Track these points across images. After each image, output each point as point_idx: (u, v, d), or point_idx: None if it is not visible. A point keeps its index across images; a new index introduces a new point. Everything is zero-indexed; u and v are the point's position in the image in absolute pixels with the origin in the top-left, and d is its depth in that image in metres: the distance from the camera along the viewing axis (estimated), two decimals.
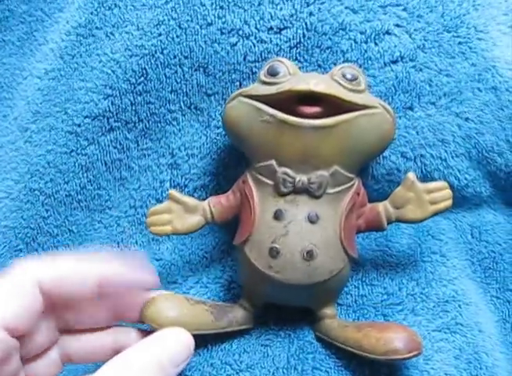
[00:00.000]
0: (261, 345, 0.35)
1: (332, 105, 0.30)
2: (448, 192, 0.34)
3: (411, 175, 0.33)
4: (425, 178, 0.39)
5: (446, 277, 0.38)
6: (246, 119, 0.32)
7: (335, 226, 0.32)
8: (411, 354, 0.29)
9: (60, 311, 0.30)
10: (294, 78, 0.31)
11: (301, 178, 0.31)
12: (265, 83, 0.32)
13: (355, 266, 0.37)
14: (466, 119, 0.38)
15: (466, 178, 0.40)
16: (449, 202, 0.34)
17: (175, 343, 0.29)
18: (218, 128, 0.39)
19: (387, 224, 0.34)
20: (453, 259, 0.39)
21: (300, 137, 0.30)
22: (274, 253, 0.31)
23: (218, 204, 0.35)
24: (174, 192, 0.34)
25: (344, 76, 0.31)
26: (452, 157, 0.39)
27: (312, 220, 0.31)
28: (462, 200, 0.41)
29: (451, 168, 0.39)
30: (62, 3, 0.42)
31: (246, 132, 0.32)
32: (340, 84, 0.31)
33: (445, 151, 0.38)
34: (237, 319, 0.35)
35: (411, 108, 0.38)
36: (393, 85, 0.38)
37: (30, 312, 0.27)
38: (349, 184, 0.32)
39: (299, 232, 0.31)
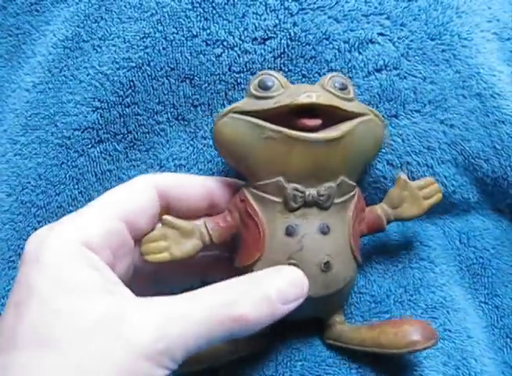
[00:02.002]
0: (250, 354, 0.35)
1: (328, 116, 0.30)
2: (437, 186, 0.35)
3: (403, 175, 0.35)
4: None
5: (434, 284, 0.38)
6: (244, 137, 0.31)
7: (344, 235, 0.32)
8: (430, 343, 0.31)
9: None
10: (289, 91, 0.31)
11: (311, 192, 0.31)
12: (257, 97, 0.31)
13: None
14: (452, 126, 0.38)
15: (453, 185, 0.40)
16: (440, 195, 0.36)
17: (285, 278, 0.28)
18: (205, 138, 0.39)
19: (387, 224, 0.35)
20: (442, 265, 0.39)
21: (310, 152, 0.30)
22: None
23: (216, 226, 0.33)
24: (168, 217, 0.32)
25: (335, 85, 0.31)
26: (439, 164, 0.39)
27: (324, 231, 0.31)
28: (450, 207, 0.41)
29: (437, 174, 0.39)
30: (49, 16, 0.42)
31: (246, 151, 0.31)
32: (333, 94, 0.31)
33: (431, 158, 0.38)
34: (247, 343, 0.34)
35: (396, 116, 0.38)
36: (377, 94, 0.38)
37: (148, 212, 0.30)
38: (353, 192, 0.33)
39: (314, 245, 0.31)
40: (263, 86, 0.31)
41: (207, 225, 0.33)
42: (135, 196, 0.30)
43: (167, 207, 0.32)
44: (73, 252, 0.26)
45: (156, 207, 0.31)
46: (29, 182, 0.41)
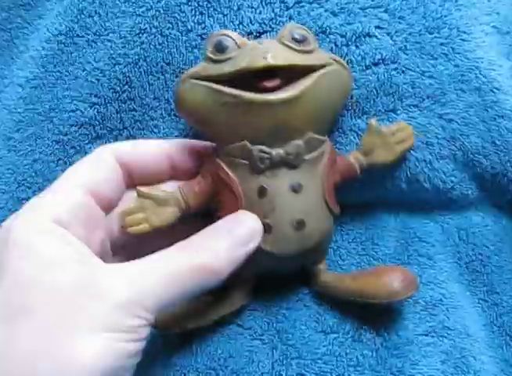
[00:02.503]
0: (246, 351, 0.35)
1: (288, 72, 0.30)
2: (410, 130, 0.36)
3: (374, 121, 0.35)
4: (410, 181, 0.38)
5: (434, 280, 0.38)
6: (204, 103, 0.31)
7: (318, 190, 0.32)
8: (410, 293, 0.32)
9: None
10: (246, 52, 0.30)
11: (277, 151, 0.31)
12: (214, 61, 0.31)
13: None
14: (451, 121, 0.38)
15: (452, 181, 0.39)
16: (412, 139, 0.36)
17: (240, 224, 0.30)
18: (196, 137, 0.38)
19: (361, 171, 0.36)
20: (441, 262, 0.39)
21: (269, 113, 0.30)
22: (266, 228, 0.31)
23: (190, 192, 0.33)
24: (142, 188, 0.32)
25: (293, 38, 0.31)
26: (437, 160, 0.38)
27: (296, 189, 0.31)
28: (449, 203, 0.41)
29: (436, 170, 0.38)
30: (42, 10, 0.42)
31: (208, 117, 0.31)
32: (291, 48, 0.30)
33: (430, 154, 0.38)
34: (234, 298, 0.36)
35: (394, 111, 0.38)
36: (375, 88, 0.37)
37: (112, 182, 0.31)
38: (323, 147, 0.33)
39: (286, 204, 0.31)
40: (219, 48, 0.31)
41: (182, 192, 0.33)
42: (97, 167, 0.31)
43: (130, 174, 0.32)
44: (44, 229, 0.26)
45: (118, 175, 0.32)
46: (25, 179, 0.41)
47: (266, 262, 0.33)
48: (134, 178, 0.33)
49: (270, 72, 0.29)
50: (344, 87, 0.33)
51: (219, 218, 0.33)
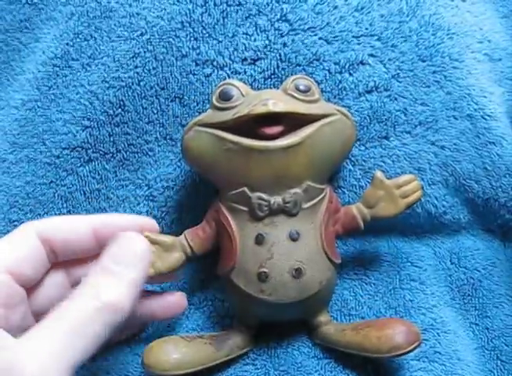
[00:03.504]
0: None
1: (291, 120, 0.30)
2: (417, 183, 0.34)
3: (378, 174, 0.34)
4: None
5: (425, 305, 0.38)
6: (208, 149, 0.32)
7: (316, 238, 0.32)
8: (412, 347, 0.31)
9: (69, 267, 0.32)
10: (249, 99, 0.31)
11: (276, 199, 0.31)
12: (219, 109, 0.32)
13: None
14: (443, 147, 0.38)
15: (443, 206, 0.40)
16: (419, 193, 0.34)
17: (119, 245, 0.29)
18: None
19: (364, 224, 0.35)
20: (432, 286, 0.39)
21: (268, 160, 0.30)
22: (263, 277, 0.31)
23: (195, 237, 0.34)
24: (149, 234, 0.33)
25: (297, 88, 0.32)
26: (429, 185, 0.39)
27: (294, 238, 0.32)
28: (441, 227, 0.41)
29: (428, 195, 0.39)
30: (38, 33, 0.42)
31: (211, 163, 0.32)
32: (294, 97, 0.31)
33: (422, 179, 0.38)
34: (237, 344, 0.35)
35: (386, 137, 0.38)
36: (368, 115, 0.38)
37: (32, 260, 0.30)
38: (322, 195, 0.33)
39: (284, 252, 0.32)
40: (224, 97, 0.32)
41: (187, 237, 0.34)
42: (17, 246, 0.29)
43: (53, 251, 0.31)
44: None
45: (40, 254, 0.30)
46: (17, 201, 0.41)
47: (265, 310, 0.33)
48: (58, 255, 0.31)
49: (273, 119, 0.30)
50: (346, 137, 0.33)
51: (218, 263, 0.34)
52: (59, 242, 0.31)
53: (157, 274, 0.33)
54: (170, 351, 0.33)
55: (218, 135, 0.31)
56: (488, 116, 0.38)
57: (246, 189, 0.31)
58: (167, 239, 0.34)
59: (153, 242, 0.33)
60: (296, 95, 0.31)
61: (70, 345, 0.24)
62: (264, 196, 0.31)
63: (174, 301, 0.35)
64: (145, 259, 0.29)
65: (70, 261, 0.32)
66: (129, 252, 0.29)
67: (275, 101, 0.30)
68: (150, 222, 0.33)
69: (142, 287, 0.28)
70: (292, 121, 0.30)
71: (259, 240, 0.32)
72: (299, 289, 0.32)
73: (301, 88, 0.32)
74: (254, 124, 0.30)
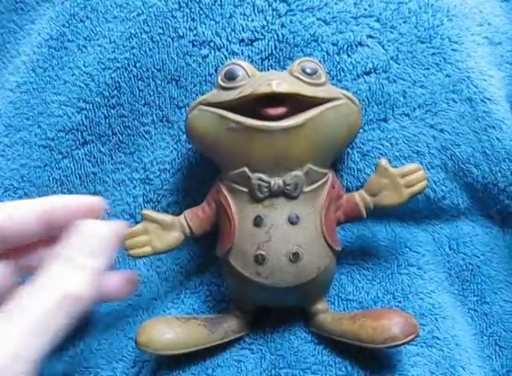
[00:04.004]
0: (235, 360, 0.35)
1: (296, 102, 0.30)
2: (422, 173, 0.33)
3: (383, 162, 0.33)
4: None
5: (423, 290, 0.37)
6: (211, 128, 0.31)
7: (316, 224, 0.32)
8: (409, 338, 0.30)
9: (19, 256, 0.30)
10: (254, 80, 0.31)
11: (276, 181, 0.31)
12: (224, 88, 0.32)
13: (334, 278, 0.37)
14: (442, 130, 0.38)
15: (442, 190, 0.39)
16: (424, 183, 0.34)
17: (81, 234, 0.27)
18: (189, 142, 0.38)
19: (366, 212, 0.34)
20: (430, 272, 0.39)
21: (270, 140, 0.30)
22: (260, 260, 0.31)
23: (194, 217, 0.34)
24: (147, 211, 0.33)
25: (303, 71, 0.31)
26: (428, 169, 0.38)
27: (293, 221, 0.31)
28: (439, 212, 0.41)
29: (427, 179, 0.38)
30: (34, 15, 0.42)
31: (214, 142, 0.32)
32: (300, 79, 0.31)
33: (421, 163, 0.38)
34: (232, 328, 0.35)
35: (385, 120, 0.38)
36: (366, 97, 0.37)
37: None
38: (324, 179, 0.32)
39: (282, 235, 0.31)
40: (229, 76, 0.32)
41: (187, 217, 0.34)
42: None
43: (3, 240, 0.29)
44: None
45: None
46: (11, 184, 0.40)
47: (261, 294, 0.33)
48: (6, 243, 0.29)
49: (276, 101, 0.30)
50: (351, 122, 0.32)
51: (217, 243, 0.34)
52: (9, 232, 0.28)
53: (154, 253, 0.33)
54: (163, 330, 0.32)
55: (221, 114, 0.31)
56: (488, 99, 0.38)
57: (246, 169, 0.31)
58: (167, 218, 0.34)
59: (152, 220, 0.33)
60: (302, 77, 0.31)
61: (30, 343, 0.23)
62: (264, 177, 0.31)
63: (125, 280, 0.33)
64: (108, 247, 0.28)
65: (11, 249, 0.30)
66: (92, 241, 0.27)
67: (280, 82, 0.29)
68: (98, 202, 0.31)
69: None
70: (296, 104, 0.30)
71: (258, 221, 0.31)
72: (296, 274, 0.32)
73: (308, 70, 0.31)
74: (257, 105, 0.30)
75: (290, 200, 0.31)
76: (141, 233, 0.33)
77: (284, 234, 0.31)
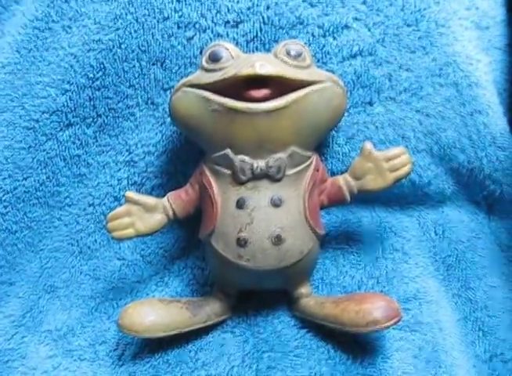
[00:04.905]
0: (217, 344, 0.35)
1: (279, 85, 0.30)
2: (406, 157, 0.33)
3: (368, 145, 0.33)
4: None
5: (408, 275, 0.37)
6: (194, 110, 0.31)
7: (299, 207, 0.32)
8: (391, 322, 0.30)
9: None
10: (238, 62, 0.31)
11: (259, 163, 0.31)
12: (207, 70, 0.31)
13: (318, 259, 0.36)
14: (427, 115, 0.38)
15: (428, 175, 0.39)
16: (409, 167, 0.33)
17: None
18: (173, 125, 0.38)
19: (350, 196, 0.34)
20: (416, 257, 0.39)
21: (252, 122, 0.30)
22: (242, 242, 0.31)
23: (178, 199, 0.34)
24: (130, 193, 0.33)
25: (288, 53, 0.31)
26: (414, 153, 0.38)
27: (276, 204, 0.31)
28: (425, 197, 0.41)
29: (412, 164, 0.38)
30: None
31: (197, 124, 0.32)
32: (285, 62, 0.31)
33: (406, 147, 0.37)
34: (215, 311, 0.35)
35: (370, 103, 0.38)
36: (352, 80, 0.37)
37: None
38: (308, 162, 0.32)
39: (264, 218, 0.31)
40: (213, 58, 0.31)
41: (170, 200, 0.34)
42: None
43: None
44: None
45: None
46: None
47: (244, 277, 0.33)
48: None
49: (260, 83, 0.29)
50: (335, 105, 0.32)
51: (200, 226, 0.34)
52: None
53: (137, 235, 0.33)
54: (145, 313, 0.32)
55: (204, 96, 0.30)
56: (475, 84, 0.38)
57: (229, 151, 0.31)
58: (150, 200, 0.34)
59: (135, 203, 0.33)
60: (286, 59, 0.31)
61: None
62: (247, 159, 0.31)
63: None
64: None
65: None
66: None
67: (263, 63, 0.29)
68: None
69: None
70: (280, 86, 0.30)
71: (240, 203, 0.31)
72: (279, 257, 0.31)
73: (292, 53, 0.31)
74: (241, 87, 0.30)
75: (273, 183, 0.31)
76: (124, 215, 0.33)
77: (267, 217, 0.31)
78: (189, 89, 0.31)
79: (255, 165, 0.31)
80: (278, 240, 0.31)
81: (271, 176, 0.31)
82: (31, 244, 0.41)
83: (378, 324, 0.30)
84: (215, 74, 0.31)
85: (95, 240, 0.42)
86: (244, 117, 0.30)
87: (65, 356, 0.35)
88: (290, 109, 0.30)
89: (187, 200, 0.34)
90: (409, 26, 0.37)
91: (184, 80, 0.32)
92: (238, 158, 0.31)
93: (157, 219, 0.34)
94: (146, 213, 0.33)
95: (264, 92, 0.30)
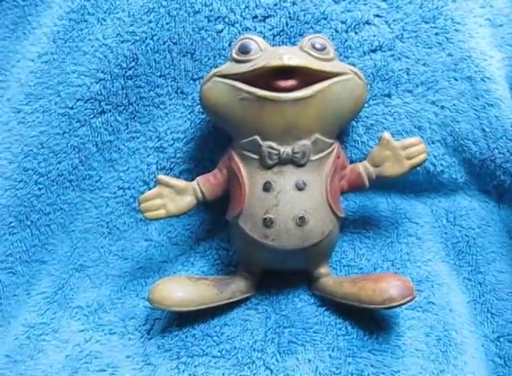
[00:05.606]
0: (241, 320, 0.36)
1: (305, 76, 0.32)
2: (422, 146, 0.35)
3: (386, 135, 0.35)
4: None
5: (421, 259, 0.39)
6: (224, 99, 0.33)
7: (322, 190, 0.34)
8: (405, 300, 0.32)
9: None
10: (266, 54, 0.32)
11: (285, 149, 0.33)
12: (238, 61, 0.33)
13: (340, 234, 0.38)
14: (442, 107, 0.40)
15: (442, 164, 0.41)
16: (424, 156, 0.35)
17: None
18: (202, 113, 0.40)
19: (369, 182, 0.36)
20: (428, 242, 0.40)
21: (280, 111, 0.32)
22: (268, 223, 0.33)
23: (207, 183, 0.36)
24: (162, 176, 0.35)
25: (313, 46, 0.33)
26: (428, 144, 0.40)
27: (300, 187, 0.33)
28: (438, 186, 0.42)
29: (427, 154, 0.40)
30: None
31: (227, 112, 0.34)
32: (310, 54, 0.33)
33: (422, 137, 0.39)
34: (240, 288, 0.37)
35: (389, 95, 0.40)
36: (372, 73, 0.39)
37: None
38: (330, 149, 0.34)
39: (289, 200, 0.33)
40: (243, 50, 0.33)
41: (199, 183, 0.36)
42: None
43: None
44: None
45: None
46: (31, 150, 0.42)
47: (269, 256, 0.35)
48: None
49: (287, 74, 0.31)
50: (356, 96, 0.34)
51: (228, 208, 0.36)
52: None
53: (168, 215, 0.35)
54: (174, 288, 0.34)
55: (234, 85, 0.32)
56: (488, 78, 0.39)
57: (257, 137, 0.33)
58: (180, 183, 0.36)
59: (166, 185, 0.35)
60: (311, 52, 0.33)
61: None
62: (274, 145, 0.33)
63: None
64: None
65: None
66: None
67: (290, 56, 0.31)
68: None
69: None
70: (305, 77, 0.32)
71: (267, 187, 0.33)
72: (302, 237, 0.33)
73: (317, 46, 0.33)
74: (269, 78, 0.32)
75: (297, 168, 0.33)
76: (155, 196, 0.35)
77: (291, 199, 0.33)
78: (220, 79, 0.33)
79: (282, 151, 0.33)
80: (301, 221, 0.33)
81: (296, 161, 0.33)
82: (63, 225, 0.43)
83: (394, 301, 0.32)
84: (245, 65, 0.32)
85: (124, 222, 0.44)
86: (273, 105, 0.32)
87: (96, 330, 0.37)
88: (315, 98, 0.32)
89: (215, 184, 0.36)
90: (426, 23, 0.39)
91: (214, 70, 0.34)
92: (266, 144, 0.33)
93: (187, 201, 0.36)
94: (177, 195, 0.35)
95: (291, 82, 0.32)
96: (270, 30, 0.39)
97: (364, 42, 0.39)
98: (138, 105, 0.41)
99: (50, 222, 0.43)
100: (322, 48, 0.33)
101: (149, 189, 0.38)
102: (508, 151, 0.40)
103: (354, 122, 0.40)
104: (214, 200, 0.36)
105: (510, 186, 0.42)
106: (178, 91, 0.41)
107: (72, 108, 0.41)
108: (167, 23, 0.40)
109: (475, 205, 0.43)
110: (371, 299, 0.33)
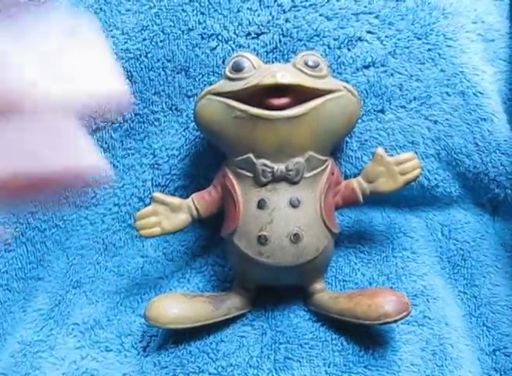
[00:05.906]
0: (237, 336, 0.36)
1: (298, 93, 0.32)
2: (416, 162, 0.35)
3: (380, 150, 0.35)
4: None
5: (416, 273, 0.39)
6: (218, 117, 0.33)
7: (316, 207, 0.34)
8: (401, 315, 0.32)
9: None
10: (260, 72, 0.33)
11: (279, 167, 0.33)
12: (231, 79, 0.34)
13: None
14: (436, 122, 0.40)
15: (436, 179, 0.41)
16: (418, 171, 0.35)
17: None
18: (197, 130, 0.40)
19: (363, 198, 0.36)
20: (423, 256, 0.41)
21: (273, 129, 0.32)
22: (263, 240, 0.33)
23: (201, 200, 0.36)
24: (157, 194, 0.35)
25: (306, 64, 0.33)
26: (422, 158, 0.40)
27: (294, 205, 0.33)
28: (433, 200, 0.43)
29: (421, 168, 0.40)
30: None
31: (221, 130, 0.34)
32: (303, 72, 0.33)
33: (416, 152, 0.40)
34: (235, 305, 0.37)
35: (382, 111, 0.40)
36: (365, 89, 0.39)
37: None
38: (324, 166, 0.34)
39: (283, 217, 0.33)
40: (236, 68, 0.33)
41: (194, 200, 0.36)
42: None
43: None
44: None
45: None
46: None
47: (263, 273, 0.35)
48: None
49: (280, 92, 0.31)
50: (350, 113, 0.34)
51: (222, 225, 0.36)
52: None
53: (163, 233, 0.35)
54: (170, 306, 0.34)
55: (228, 103, 0.33)
56: (480, 93, 0.40)
57: (251, 155, 0.33)
58: (175, 201, 0.36)
59: (161, 202, 0.35)
60: (304, 69, 0.33)
61: None
62: (268, 163, 0.33)
63: None
64: None
65: None
66: None
67: (284, 73, 0.31)
68: None
69: None
70: (299, 95, 0.32)
71: (261, 204, 0.33)
72: (297, 254, 0.33)
73: (310, 63, 0.33)
74: (263, 96, 0.32)
75: (291, 185, 0.33)
76: (151, 214, 0.35)
77: (286, 216, 0.33)
78: (214, 97, 0.33)
79: (276, 168, 0.33)
80: (296, 238, 0.33)
81: (290, 179, 0.33)
82: (59, 242, 0.43)
83: (389, 317, 0.32)
84: (238, 83, 0.33)
85: (120, 239, 0.44)
86: (266, 123, 0.32)
87: (92, 347, 0.37)
88: (309, 116, 0.32)
89: (210, 201, 0.36)
90: (419, 39, 0.39)
91: (208, 88, 0.34)
92: (260, 162, 0.33)
93: (182, 219, 0.36)
94: (172, 213, 0.35)
95: (284, 100, 0.32)
96: (263, 47, 0.39)
97: (357, 59, 0.39)
98: (133, 122, 0.41)
99: (46, 239, 0.43)
100: (315, 66, 0.33)
101: (145, 205, 0.38)
102: (501, 164, 0.41)
103: (348, 138, 0.40)
104: (209, 218, 0.36)
105: (504, 199, 0.42)
106: (173, 108, 0.41)
107: None
108: (161, 41, 0.40)
109: (470, 219, 0.43)
110: (366, 315, 0.33)
